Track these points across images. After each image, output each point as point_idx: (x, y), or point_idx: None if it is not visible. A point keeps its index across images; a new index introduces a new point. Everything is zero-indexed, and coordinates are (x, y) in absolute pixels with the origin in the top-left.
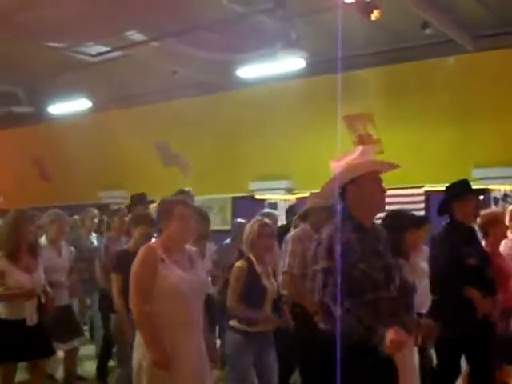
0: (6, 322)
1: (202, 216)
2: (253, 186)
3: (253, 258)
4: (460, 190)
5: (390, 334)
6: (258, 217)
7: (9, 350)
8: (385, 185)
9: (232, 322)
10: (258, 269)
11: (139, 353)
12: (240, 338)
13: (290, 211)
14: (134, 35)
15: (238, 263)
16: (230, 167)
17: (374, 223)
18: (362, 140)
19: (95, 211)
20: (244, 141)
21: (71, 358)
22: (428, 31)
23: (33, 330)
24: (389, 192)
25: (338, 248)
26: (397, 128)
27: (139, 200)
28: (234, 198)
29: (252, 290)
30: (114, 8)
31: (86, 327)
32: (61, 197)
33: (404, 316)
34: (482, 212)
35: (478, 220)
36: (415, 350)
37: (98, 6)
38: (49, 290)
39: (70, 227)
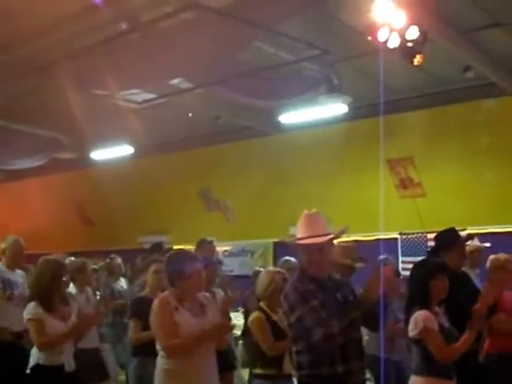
0: (45, 368)
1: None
2: (294, 230)
3: (265, 308)
4: (449, 239)
5: None
6: (277, 268)
7: None
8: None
9: (257, 370)
10: (274, 316)
11: None
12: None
13: None
14: (179, 82)
15: (255, 314)
16: (272, 211)
17: (330, 275)
18: (404, 183)
19: (119, 259)
20: (286, 185)
21: None
22: (469, 74)
23: (70, 376)
24: (429, 236)
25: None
26: (439, 171)
27: (156, 248)
28: (276, 243)
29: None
30: (161, 57)
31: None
32: (102, 242)
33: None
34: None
35: (488, 263)
36: None
37: (144, 55)
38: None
39: (97, 273)
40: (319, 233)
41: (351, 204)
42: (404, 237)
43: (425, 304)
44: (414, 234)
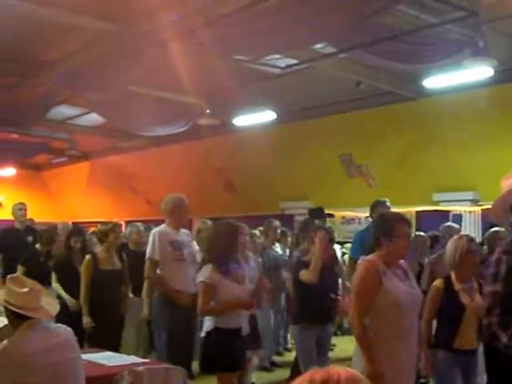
0: (223, 331)
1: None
2: (436, 196)
3: (452, 276)
4: None
5: None
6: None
7: (228, 359)
8: None
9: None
10: (458, 286)
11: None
12: (444, 353)
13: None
14: (322, 47)
15: (436, 282)
16: (414, 178)
17: None
18: None
19: (277, 222)
20: (428, 151)
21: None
22: None
23: (243, 340)
24: None
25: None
26: None
27: (317, 214)
28: (418, 210)
29: (448, 308)
30: (303, 22)
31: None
32: (243, 207)
33: None
34: None
35: None
36: None
37: (286, 21)
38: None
39: (250, 238)
40: None
41: (496, 171)
42: None
43: None
44: None
